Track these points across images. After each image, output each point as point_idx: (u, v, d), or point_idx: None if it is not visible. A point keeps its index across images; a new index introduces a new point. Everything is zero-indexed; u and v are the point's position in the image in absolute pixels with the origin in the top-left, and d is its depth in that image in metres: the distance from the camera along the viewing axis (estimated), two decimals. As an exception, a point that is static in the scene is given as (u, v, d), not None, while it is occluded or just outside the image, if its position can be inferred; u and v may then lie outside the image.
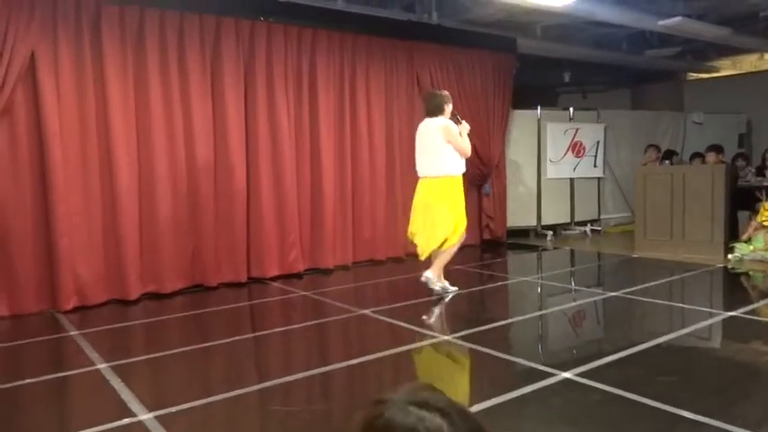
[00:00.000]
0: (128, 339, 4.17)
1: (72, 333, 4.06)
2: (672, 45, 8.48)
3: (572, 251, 7.44)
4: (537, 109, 8.26)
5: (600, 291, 5.26)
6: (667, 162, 7.84)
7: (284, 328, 4.25)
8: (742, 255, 6.14)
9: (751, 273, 5.77)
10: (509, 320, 4.48)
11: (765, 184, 7.56)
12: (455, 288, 4.97)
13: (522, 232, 8.26)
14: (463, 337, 3.80)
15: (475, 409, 2.59)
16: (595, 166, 8.66)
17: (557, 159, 8.31)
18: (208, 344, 3.81)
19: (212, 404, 2.80)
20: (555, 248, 7.60)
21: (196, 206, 5.30)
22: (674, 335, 3.79)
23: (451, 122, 4.81)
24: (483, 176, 7.44)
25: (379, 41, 6.43)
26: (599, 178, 8.77)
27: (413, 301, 4.79)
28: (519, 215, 8.11)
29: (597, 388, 2.84)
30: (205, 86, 5.30)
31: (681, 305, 4.84)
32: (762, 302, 4.66)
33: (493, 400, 2.79)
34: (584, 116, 8.72)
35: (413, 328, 4.00)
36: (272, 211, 5.71)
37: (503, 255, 7.26)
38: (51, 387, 3.16)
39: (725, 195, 6.43)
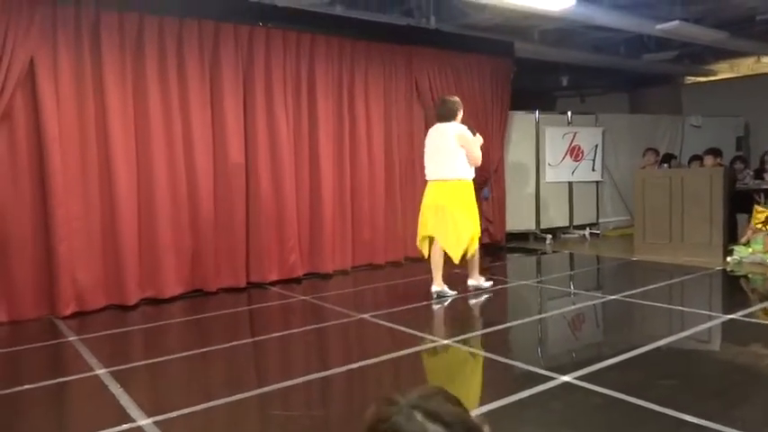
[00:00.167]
0: (127, 345, 4.16)
1: (71, 338, 4.05)
2: (669, 49, 8.50)
3: (571, 255, 7.44)
4: (535, 113, 8.28)
5: (599, 294, 5.25)
6: (666, 165, 7.85)
7: (283, 333, 4.24)
8: (741, 257, 6.14)
9: (750, 275, 5.77)
10: (508, 324, 4.47)
11: (764, 186, 7.58)
12: (454, 292, 4.98)
13: (522, 236, 8.27)
14: (462, 341, 3.80)
15: (475, 413, 2.58)
16: (594, 169, 8.67)
17: (555, 163, 8.32)
18: (207, 349, 3.80)
19: (211, 409, 2.79)
20: (554, 252, 7.61)
21: (195, 211, 5.29)
22: (674, 338, 3.79)
23: (467, 129, 4.90)
24: (482, 181, 7.43)
25: (377, 46, 6.45)
26: (597, 182, 8.78)
27: (412, 305, 4.79)
28: (518, 219, 8.11)
29: (597, 391, 2.83)
30: (204, 92, 5.31)
31: (680, 308, 4.84)
32: (761, 305, 4.65)
33: (492, 403, 2.78)
34: (583, 120, 8.74)
35: (412, 332, 3.99)
36: (272, 216, 5.70)
37: (502, 258, 7.25)
38: (50, 393, 3.14)
39: (723, 198, 6.43)
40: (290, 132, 5.79)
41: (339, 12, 5.97)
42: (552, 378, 3.02)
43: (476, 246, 5.03)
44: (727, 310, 4.46)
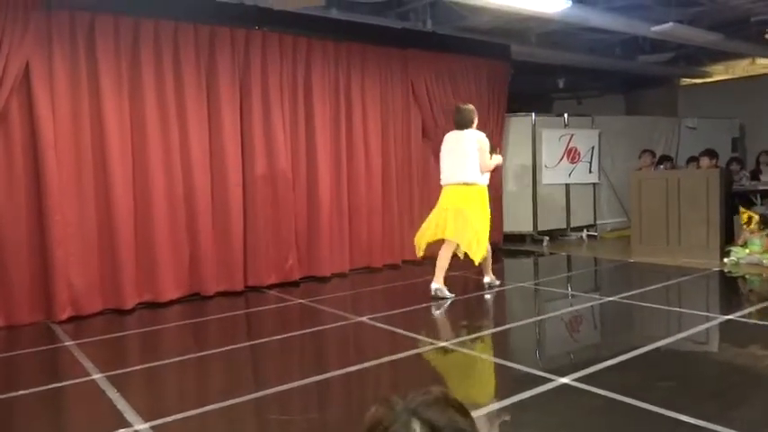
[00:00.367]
0: (123, 349, 4.14)
1: (67, 343, 4.03)
2: (665, 51, 8.53)
3: (568, 257, 7.44)
4: (532, 115, 8.29)
5: (597, 296, 5.26)
6: (662, 167, 7.87)
7: (281, 337, 4.23)
8: (738, 258, 6.15)
9: (747, 276, 5.78)
10: (506, 326, 4.47)
11: (760, 187, 7.60)
12: (452, 295, 4.99)
13: (519, 238, 8.27)
14: (460, 344, 3.79)
15: (473, 415, 2.57)
16: (590, 171, 8.68)
17: (552, 165, 8.33)
18: (204, 353, 3.79)
19: (209, 413, 2.78)
20: (551, 254, 7.61)
21: (192, 215, 5.28)
22: (672, 339, 3.79)
23: (485, 136, 5.10)
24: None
25: (373, 50, 6.45)
26: (594, 184, 8.79)
27: (410, 308, 4.79)
28: (515, 221, 8.12)
29: (596, 393, 2.83)
30: (200, 96, 5.30)
31: (678, 309, 4.85)
32: (758, 306, 4.66)
33: (491, 406, 2.78)
34: (579, 122, 8.76)
35: (410, 334, 3.99)
36: (269, 220, 5.69)
37: (499, 260, 7.25)
38: (47, 398, 3.13)
39: (720, 199, 6.45)
40: (286, 136, 5.78)
41: (335, 15, 5.97)
42: (550, 380, 3.02)
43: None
44: (725, 311, 4.47)
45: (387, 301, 5.38)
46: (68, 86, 4.64)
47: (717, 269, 5.99)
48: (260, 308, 5.16)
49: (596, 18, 6.39)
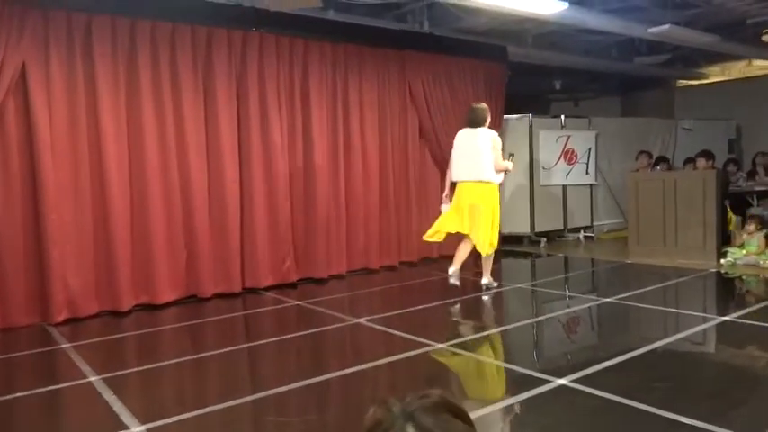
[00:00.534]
0: (120, 351, 4.12)
1: (63, 345, 4.02)
2: (661, 52, 8.55)
3: (565, 258, 7.45)
4: (529, 117, 8.30)
5: (594, 297, 5.26)
6: (659, 168, 7.88)
7: (278, 338, 4.23)
8: (735, 259, 6.16)
9: (744, 277, 5.79)
10: (504, 327, 4.47)
11: (756, 189, 7.63)
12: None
13: (516, 239, 8.27)
14: (458, 345, 3.79)
15: (470, 417, 2.57)
16: (587, 173, 8.69)
17: (549, 167, 8.34)
18: (201, 355, 3.78)
19: (206, 415, 2.77)
20: (548, 255, 7.61)
21: (189, 216, 5.27)
22: (669, 340, 3.80)
23: (497, 135, 5.28)
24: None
25: (370, 51, 6.45)
26: (591, 185, 8.80)
27: (407, 309, 4.79)
28: (512, 222, 8.11)
29: (593, 394, 2.83)
30: (197, 98, 5.29)
31: (675, 310, 4.85)
32: (755, 306, 4.67)
33: (488, 407, 2.78)
34: (576, 123, 8.77)
35: (407, 336, 3.98)
36: (266, 222, 5.69)
37: (497, 261, 7.22)
38: (43, 400, 3.11)
39: (716, 200, 6.46)
40: (283, 137, 5.78)
41: (332, 17, 5.97)
42: (548, 381, 3.02)
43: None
44: (722, 311, 4.48)
45: (384, 302, 5.37)
46: (65, 87, 4.63)
47: (713, 270, 6.01)
48: (257, 310, 5.15)
49: (593, 20, 6.40)
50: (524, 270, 7.05)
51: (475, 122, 5.26)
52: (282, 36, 5.75)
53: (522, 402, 2.86)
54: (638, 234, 6.96)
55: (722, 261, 6.21)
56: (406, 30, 6.62)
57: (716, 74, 10.25)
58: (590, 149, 8.67)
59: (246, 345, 4.22)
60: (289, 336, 4.24)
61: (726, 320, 4.13)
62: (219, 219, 5.42)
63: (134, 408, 2.85)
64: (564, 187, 8.53)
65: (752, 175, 8.07)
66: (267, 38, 5.65)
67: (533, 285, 5.92)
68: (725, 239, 6.64)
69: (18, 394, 3.11)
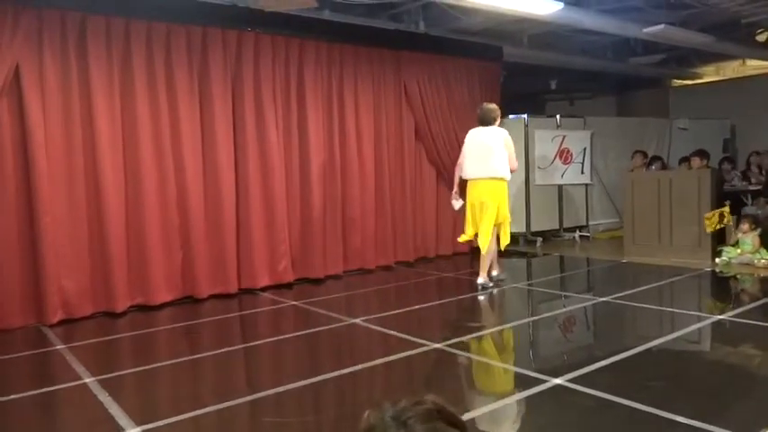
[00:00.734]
0: (115, 352, 4.11)
1: (58, 347, 4.00)
2: (656, 52, 8.58)
3: (561, 257, 7.46)
4: (524, 116, 8.31)
5: (590, 296, 5.27)
6: (653, 167, 7.90)
7: (275, 339, 4.22)
8: (729, 258, 6.19)
9: (739, 276, 5.81)
10: (500, 327, 4.48)
11: (750, 188, 7.66)
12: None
13: (512, 238, 8.24)
14: (454, 345, 3.79)
15: (466, 417, 2.58)
16: (583, 172, 8.71)
17: (545, 166, 8.35)
18: (197, 356, 3.77)
19: (202, 417, 2.77)
20: (544, 255, 7.63)
21: (185, 217, 5.25)
22: (665, 339, 3.81)
23: (508, 134, 5.46)
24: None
25: (366, 51, 6.45)
26: (587, 184, 8.82)
27: (403, 310, 4.79)
28: (508, 222, 8.11)
29: (589, 394, 2.83)
30: (192, 97, 5.27)
31: (670, 309, 4.87)
32: (750, 305, 4.69)
33: (485, 407, 2.78)
34: (572, 123, 8.78)
35: (403, 336, 3.98)
36: (262, 222, 5.68)
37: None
38: (38, 402, 3.10)
39: (711, 199, 6.48)
40: (279, 137, 5.77)
41: (327, 17, 5.96)
42: (544, 381, 3.02)
43: (494, 244, 5.48)
44: (717, 310, 4.49)
45: (380, 302, 5.37)
46: (59, 88, 4.61)
47: (708, 269, 6.03)
48: (253, 310, 5.14)
49: (589, 20, 6.41)
50: (520, 270, 7.06)
51: (485, 121, 5.42)
52: (278, 36, 5.74)
53: (517, 402, 2.86)
54: (634, 233, 6.98)
55: (717, 260, 6.23)
56: (401, 30, 6.62)
57: (710, 74, 10.28)
58: (585, 149, 8.68)
59: (243, 345, 4.21)
60: (285, 336, 4.24)
61: (721, 319, 4.15)
62: (215, 219, 5.41)
63: (129, 409, 2.84)
64: (559, 187, 8.54)
65: (746, 174, 8.10)
66: (262, 38, 5.64)
67: (529, 285, 5.92)
68: (720, 238, 6.66)
69: (13, 396, 3.10)
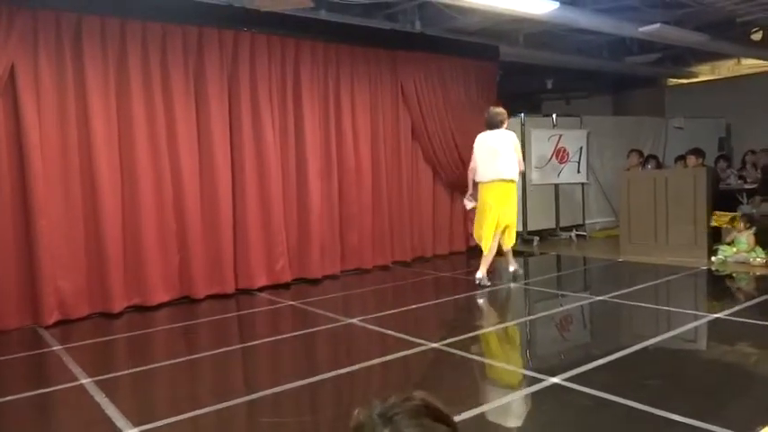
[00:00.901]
0: (112, 353, 4.10)
1: (55, 348, 3.99)
2: (651, 51, 8.59)
3: (558, 256, 7.47)
4: (521, 116, 8.32)
5: (586, 295, 5.28)
6: (649, 166, 7.92)
7: (272, 339, 4.22)
8: (725, 257, 6.21)
9: (734, 274, 5.83)
10: (497, 326, 4.48)
11: (746, 187, 7.68)
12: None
13: (509, 238, 8.27)
14: (451, 344, 3.79)
15: (464, 416, 2.58)
16: (579, 171, 8.72)
17: (541, 165, 8.36)
18: (194, 356, 3.77)
19: (199, 417, 2.76)
20: (541, 254, 7.64)
21: (181, 218, 5.24)
22: (661, 338, 3.82)
23: (516, 137, 5.62)
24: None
25: (362, 51, 6.45)
26: (583, 183, 8.83)
27: (400, 309, 4.79)
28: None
29: (586, 392, 2.84)
30: (189, 99, 5.26)
31: (667, 308, 4.88)
32: (746, 304, 4.70)
33: (482, 406, 2.78)
34: (568, 122, 8.79)
35: (401, 336, 3.98)
36: (259, 222, 5.67)
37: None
38: (34, 404, 3.09)
39: (707, 198, 6.50)
40: (276, 138, 5.76)
41: (324, 16, 5.96)
42: (541, 380, 3.03)
43: (495, 244, 5.58)
44: (713, 309, 4.51)
45: (377, 302, 5.37)
46: (54, 88, 4.59)
47: (704, 267, 6.05)
48: (250, 310, 5.14)
49: (584, 19, 6.42)
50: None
51: (492, 124, 5.57)
52: (274, 36, 5.74)
53: (514, 401, 2.87)
54: (630, 232, 6.99)
55: (713, 258, 6.25)
56: (397, 29, 6.62)
57: (706, 72, 10.32)
58: (581, 148, 8.70)
59: (240, 346, 4.20)
60: (282, 336, 4.24)
61: (717, 318, 4.16)
62: (212, 219, 5.40)
63: (126, 410, 2.83)
64: (556, 186, 8.56)
65: (742, 174, 8.12)
66: (258, 38, 5.64)
67: (526, 284, 5.93)
68: (716, 237, 6.68)
69: (9, 397, 3.09)
